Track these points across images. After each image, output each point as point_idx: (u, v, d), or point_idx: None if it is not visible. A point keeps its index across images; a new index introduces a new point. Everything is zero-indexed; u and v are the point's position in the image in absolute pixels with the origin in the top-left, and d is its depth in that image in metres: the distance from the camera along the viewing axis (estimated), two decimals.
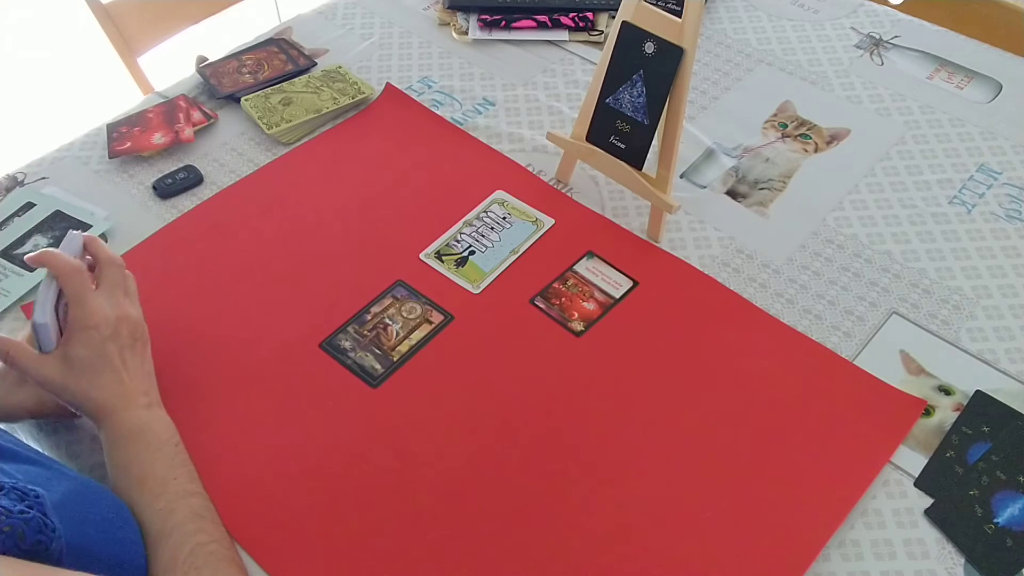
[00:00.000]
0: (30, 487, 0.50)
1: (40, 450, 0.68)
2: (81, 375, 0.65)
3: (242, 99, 1.02)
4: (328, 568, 0.65)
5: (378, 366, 0.78)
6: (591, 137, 0.88)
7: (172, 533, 0.60)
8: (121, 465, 0.63)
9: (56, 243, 0.86)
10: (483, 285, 0.84)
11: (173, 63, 1.33)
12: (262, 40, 1.12)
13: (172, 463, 0.64)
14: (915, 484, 0.70)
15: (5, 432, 0.64)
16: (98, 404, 0.65)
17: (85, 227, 0.88)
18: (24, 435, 0.76)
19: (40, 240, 0.87)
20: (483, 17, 1.14)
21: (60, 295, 0.66)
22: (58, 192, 0.93)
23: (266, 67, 1.07)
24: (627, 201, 0.93)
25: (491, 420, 0.74)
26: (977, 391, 0.76)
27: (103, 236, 0.88)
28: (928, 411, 0.75)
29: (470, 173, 0.95)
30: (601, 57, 0.84)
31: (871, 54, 1.12)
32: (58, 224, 0.89)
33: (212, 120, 1.01)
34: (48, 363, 0.64)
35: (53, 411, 0.71)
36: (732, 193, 0.94)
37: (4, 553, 0.45)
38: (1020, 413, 0.74)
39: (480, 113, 1.03)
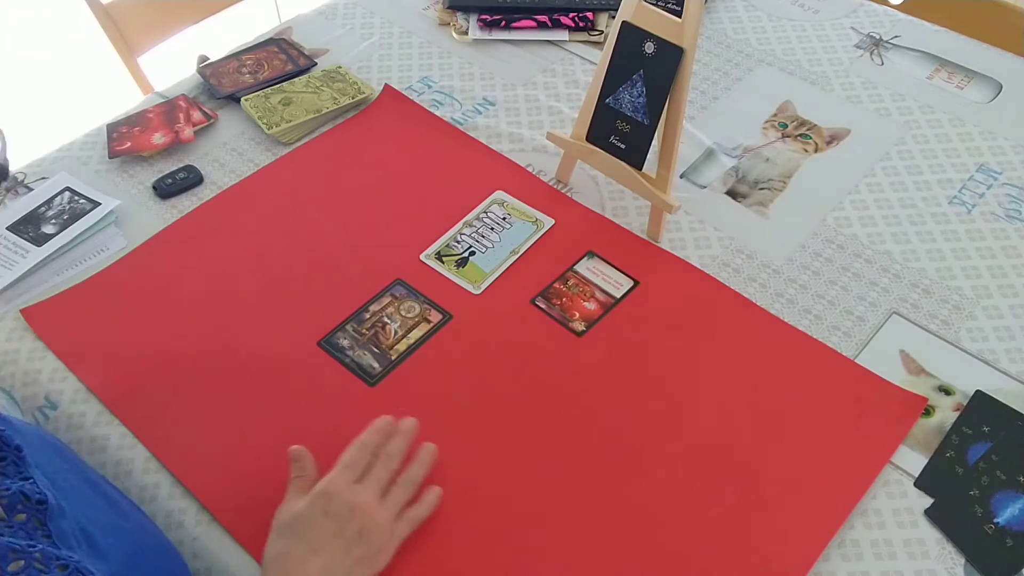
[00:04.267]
0: (89, 569, 0.49)
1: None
2: (282, 530, 0.62)
3: (242, 99, 1.02)
4: None
5: (376, 365, 0.78)
6: (591, 137, 0.88)
7: None
8: None
9: (64, 227, 0.86)
10: (484, 286, 0.84)
11: (173, 63, 1.33)
12: (262, 40, 1.12)
13: None
14: (915, 484, 0.70)
15: (71, 475, 0.62)
16: (268, 568, 0.61)
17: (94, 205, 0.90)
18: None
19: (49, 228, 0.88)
20: (483, 17, 1.14)
21: None
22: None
23: (266, 67, 1.07)
24: (627, 201, 0.93)
25: (491, 419, 0.74)
26: (977, 391, 0.76)
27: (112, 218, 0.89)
28: (928, 411, 0.75)
29: (470, 173, 0.95)
30: (601, 57, 0.84)
31: (871, 54, 1.12)
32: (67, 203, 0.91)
33: (212, 120, 1.01)
34: (286, 503, 0.65)
35: None
36: (732, 193, 0.94)
37: None
38: (1020, 413, 0.74)
39: (480, 113, 1.03)
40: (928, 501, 0.69)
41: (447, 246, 0.88)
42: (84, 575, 0.49)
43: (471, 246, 0.88)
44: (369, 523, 0.63)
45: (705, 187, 0.95)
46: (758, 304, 0.83)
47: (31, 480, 0.53)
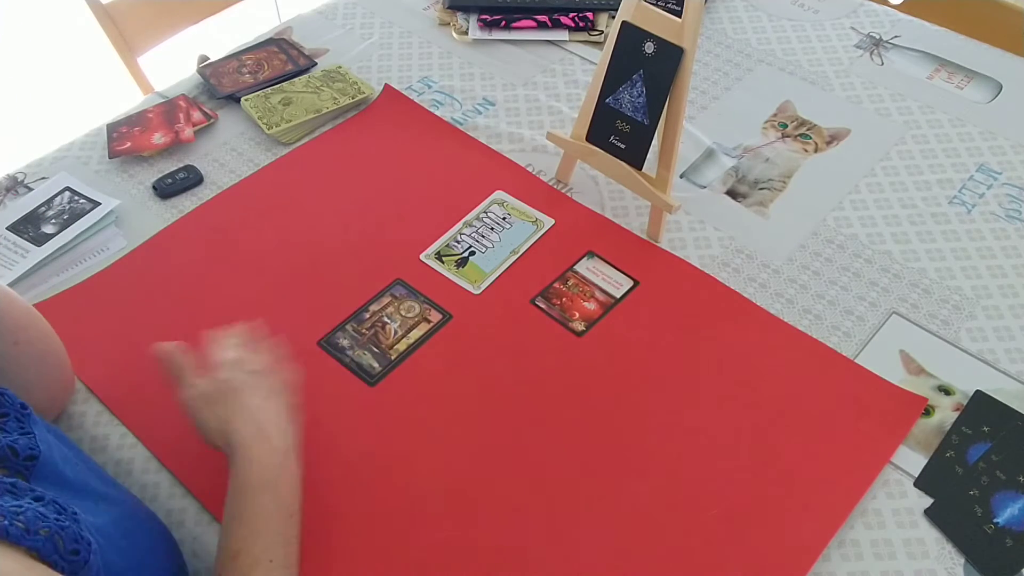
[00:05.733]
0: (69, 505, 0.50)
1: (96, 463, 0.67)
2: (208, 404, 0.65)
3: (242, 99, 1.02)
4: (326, 567, 0.65)
5: (376, 364, 0.78)
6: (591, 137, 0.88)
7: None
8: (230, 517, 0.61)
9: (64, 227, 0.86)
10: (484, 285, 0.84)
11: (173, 63, 1.33)
12: (262, 40, 1.12)
13: (274, 540, 0.61)
14: (915, 484, 0.70)
15: (66, 449, 0.62)
16: (232, 435, 0.64)
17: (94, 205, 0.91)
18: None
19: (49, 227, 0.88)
20: (483, 17, 1.14)
21: None
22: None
23: (266, 67, 1.07)
24: (627, 201, 0.93)
25: (491, 419, 0.74)
26: (977, 391, 0.76)
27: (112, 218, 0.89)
28: (928, 411, 0.75)
29: (470, 173, 0.95)
30: (601, 57, 0.84)
31: (871, 54, 1.12)
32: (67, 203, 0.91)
33: (212, 120, 1.01)
34: (188, 389, 0.67)
35: None
36: (732, 193, 0.94)
37: (46, 557, 0.45)
38: (1020, 413, 0.74)
39: (480, 113, 1.03)
40: (928, 501, 0.69)
41: (447, 246, 0.88)
42: (62, 507, 0.49)
43: (471, 246, 0.88)
44: (257, 365, 0.68)
45: (705, 187, 0.95)
46: (758, 304, 0.83)
47: (31, 435, 0.53)
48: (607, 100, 0.85)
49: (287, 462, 0.63)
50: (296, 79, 1.05)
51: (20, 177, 0.95)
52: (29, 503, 0.47)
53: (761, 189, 0.95)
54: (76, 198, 0.91)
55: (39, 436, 0.54)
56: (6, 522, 0.44)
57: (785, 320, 0.82)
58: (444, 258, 0.87)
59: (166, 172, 0.95)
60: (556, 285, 0.84)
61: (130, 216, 0.91)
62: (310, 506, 0.68)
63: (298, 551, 0.62)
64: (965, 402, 0.75)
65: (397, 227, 0.90)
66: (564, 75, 1.09)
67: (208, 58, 1.08)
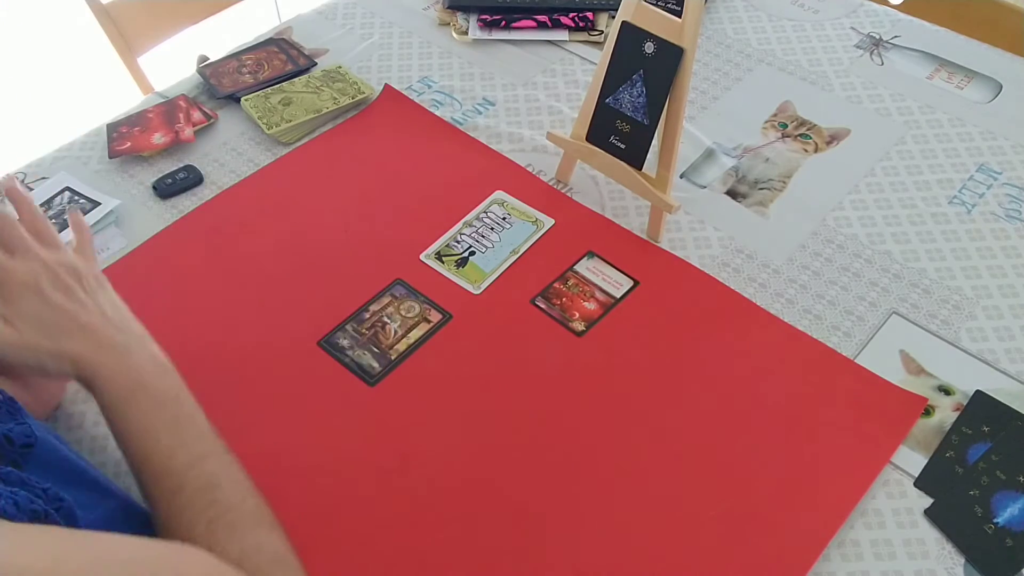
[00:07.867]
0: (61, 495, 0.49)
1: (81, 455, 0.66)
2: (39, 332, 0.57)
3: (242, 99, 1.02)
4: (325, 568, 0.65)
5: (376, 364, 0.78)
6: (591, 137, 0.88)
7: (182, 514, 0.54)
8: (120, 437, 0.56)
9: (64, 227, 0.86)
10: (484, 285, 0.84)
11: (173, 63, 1.33)
12: (262, 40, 1.12)
13: (175, 425, 0.56)
14: (915, 484, 0.70)
15: (51, 445, 0.59)
16: (74, 358, 0.58)
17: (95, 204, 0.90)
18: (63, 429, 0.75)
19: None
20: (483, 17, 1.14)
21: None
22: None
23: (266, 67, 1.07)
24: (627, 201, 0.93)
25: (491, 419, 0.74)
26: (977, 391, 0.76)
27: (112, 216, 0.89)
28: (928, 411, 0.75)
29: (470, 173, 0.95)
30: (601, 57, 0.84)
31: (871, 54, 1.12)
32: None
33: (212, 120, 1.01)
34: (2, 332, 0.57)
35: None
36: (732, 193, 0.94)
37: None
38: (1020, 413, 0.74)
39: (480, 113, 1.03)
40: (928, 501, 0.69)
41: (447, 246, 0.88)
42: (60, 500, 0.48)
43: (471, 246, 0.88)
44: (69, 262, 0.62)
45: (705, 187, 0.95)
46: (758, 304, 0.83)
47: (25, 424, 0.52)
48: (607, 100, 0.85)
49: (139, 356, 0.58)
50: (296, 79, 1.05)
51: (20, 177, 0.95)
52: (19, 491, 0.47)
53: (761, 189, 0.95)
54: (76, 198, 0.91)
55: (33, 424, 0.53)
56: (1, 501, 0.44)
57: (785, 320, 0.82)
58: (444, 258, 0.87)
59: (166, 172, 0.95)
60: (556, 285, 0.84)
61: (130, 216, 0.91)
62: (312, 508, 0.68)
63: (210, 426, 0.57)
64: (965, 402, 0.75)
65: (397, 227, 0.90)
66: (564, 75, 1.09)
67: (208, 58, 1.08)
